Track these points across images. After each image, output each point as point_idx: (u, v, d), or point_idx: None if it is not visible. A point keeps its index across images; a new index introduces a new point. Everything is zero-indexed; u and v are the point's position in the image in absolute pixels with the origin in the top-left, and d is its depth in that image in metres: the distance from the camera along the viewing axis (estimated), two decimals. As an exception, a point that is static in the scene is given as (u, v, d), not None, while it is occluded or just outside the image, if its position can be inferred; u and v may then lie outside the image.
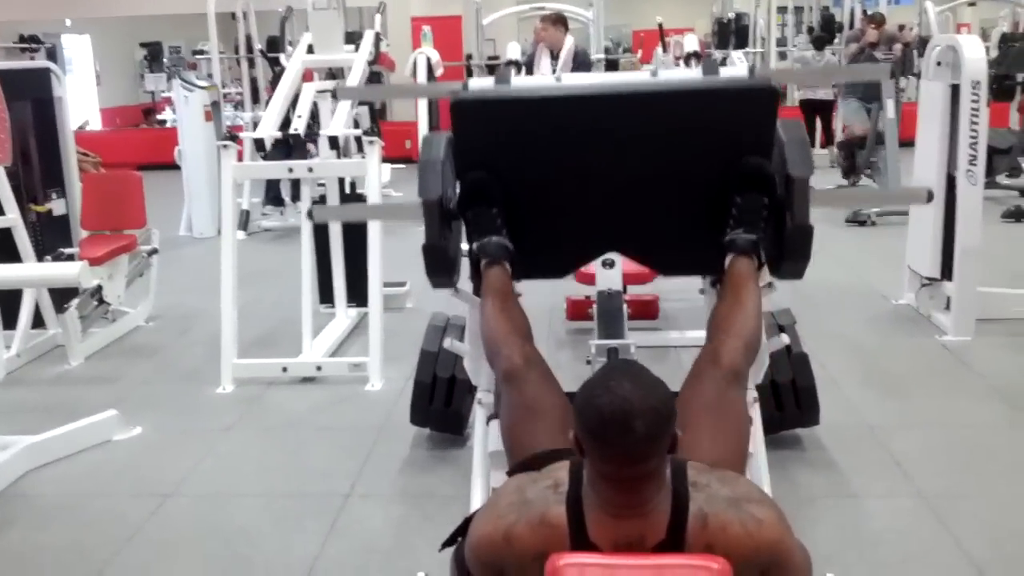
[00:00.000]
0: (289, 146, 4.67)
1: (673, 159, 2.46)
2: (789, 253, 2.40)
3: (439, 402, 3.51)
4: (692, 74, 2.99)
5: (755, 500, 1.70)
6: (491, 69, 10.06)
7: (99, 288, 4.87)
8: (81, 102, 15.29)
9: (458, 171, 2.52)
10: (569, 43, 7.10)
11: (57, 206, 5.25)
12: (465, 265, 2.61)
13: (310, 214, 3.09)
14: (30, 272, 4.34)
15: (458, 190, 2.51)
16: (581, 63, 7.00)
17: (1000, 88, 8.29)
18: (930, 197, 2.76)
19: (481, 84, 2.81)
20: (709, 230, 2.45)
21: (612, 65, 12.36)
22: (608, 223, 2.58)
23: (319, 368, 4.40)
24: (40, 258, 4.84)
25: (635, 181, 2.49)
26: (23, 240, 4.64)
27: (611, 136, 2.44)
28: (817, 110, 10.36)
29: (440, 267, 2.49)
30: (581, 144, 2.46)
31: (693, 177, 2.46)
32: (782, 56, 12.61)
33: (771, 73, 3.51)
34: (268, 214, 8.47)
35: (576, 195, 2.53)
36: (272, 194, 8.42)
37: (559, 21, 7.25)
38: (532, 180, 2.50)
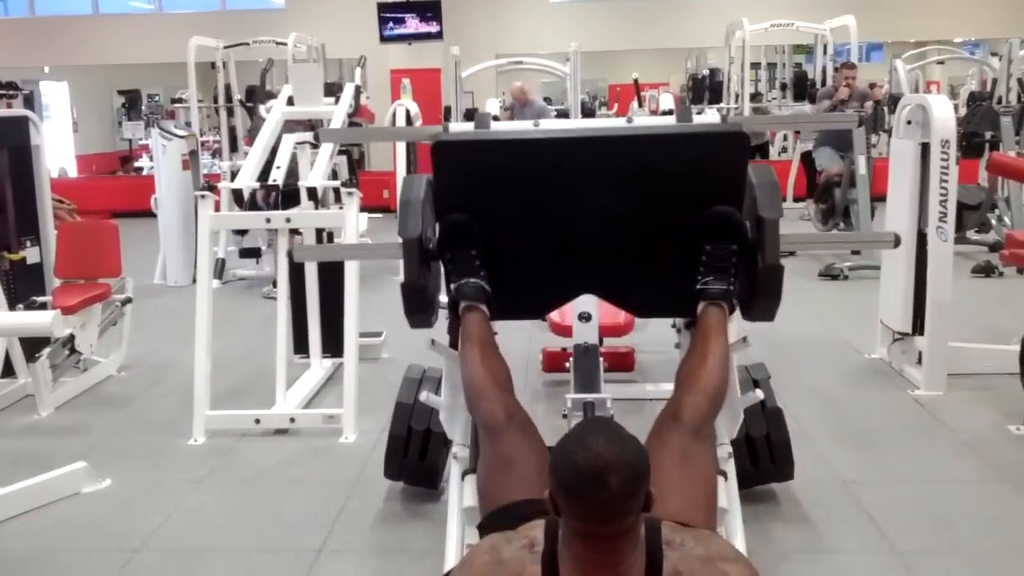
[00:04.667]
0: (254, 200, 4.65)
1: (647, 203, 2.52)
2: (760, 292, 2.45)
3: (414, 455, 3.48)
4: (667, 121, 3.06)
5: (729, 559, 1.70)
6: (470, 119, 10.12)
7: (71, 337, 4.83)
8: (58, 149, 15.26)
9: (437, 213, 2.56)
10: None
11: (31, 254, 5.21)
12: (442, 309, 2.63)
13: (290, 254, 3.10)
14: (2, 321, 4.30)
15: (438, 231, 2.55)
16: None
17: (969, 145, 8.48)
18: (897, 242, 2.83)
19: (461, 128, 2.86)
20: (683, 273, 2.51)
21: (588, 117, 12.51)
22: (584, 265, 2.63)
23: (292, 420, 4.36)
24: (12, 306, 4.81)
25: (611, 224, 2.55)
26: (-5, 288, 4.60)
27: (588, 179, 2.50)
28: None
29: (419, 305, 2.53)
30: (558, 187, 2.51)
31: (667, 221, 2.53)
32: (756, 111, 12.81)
33: (742, 119, 3.59)
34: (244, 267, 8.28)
35: (553, 237, 2.58)
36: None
37: None
38: (510, 222, 2.55)
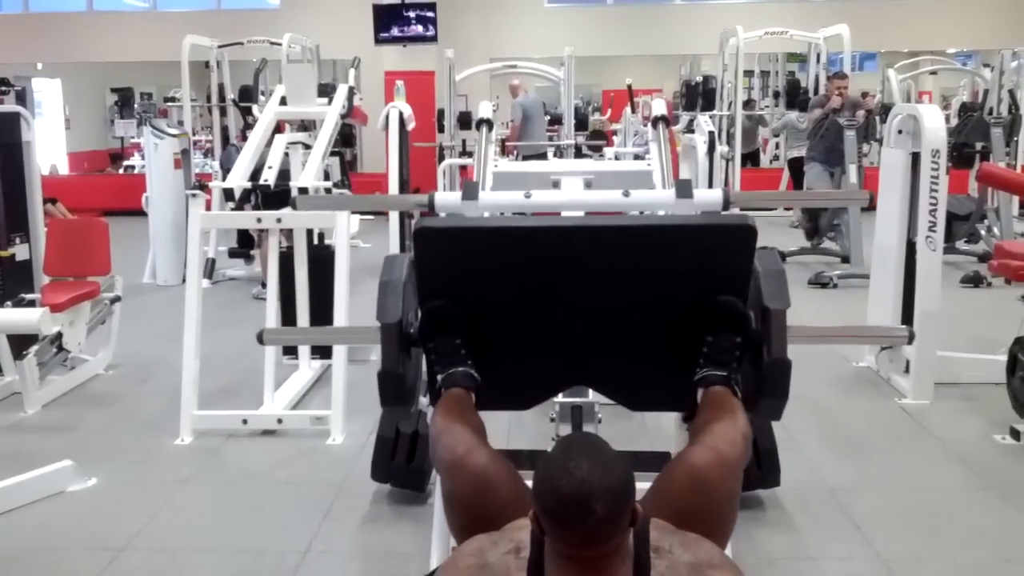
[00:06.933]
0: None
1: (644, 293, 2.33)
2: (767, 389, 2.28)
3: (401, 458, 3.48)
4: (665, 196, 2.89)
5: (717, 565, 1.69)
6: (463, 122, 10.10)
7: (59, 335, 4.81)
8: (49, 146, 15.23)
9: (420, 298, 2.39)
10: None
11: (21, 251, 5.20)
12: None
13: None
14: (-11, 317, 4.28)
15: (419, 316, 2.38)
16: None
17: (959, 156, 8.51)
18: (911, 338, 2.67)
19: (447, 200, 2.74)
20: (681, 366, 2.32)
21: (581, 124, 12.52)
22: (575, 356, 2.44)
23: (280, 421, 4.35)
24: (0, 304, 4.78)
25: (604, 314, 2.37)
26: (-17, 285, 4.59)
27: (581, 269, 2.31)
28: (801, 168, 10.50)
29: (396, 395, 2.34)
30: (549, 277, 2.32)
31: (665, 311, 2.34)
32: (750, 118, 12.84)
33: (739, 197, 3.24)
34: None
35: (543, 327, 2.39)
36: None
37: None
38: (497, 311, 2.37)
